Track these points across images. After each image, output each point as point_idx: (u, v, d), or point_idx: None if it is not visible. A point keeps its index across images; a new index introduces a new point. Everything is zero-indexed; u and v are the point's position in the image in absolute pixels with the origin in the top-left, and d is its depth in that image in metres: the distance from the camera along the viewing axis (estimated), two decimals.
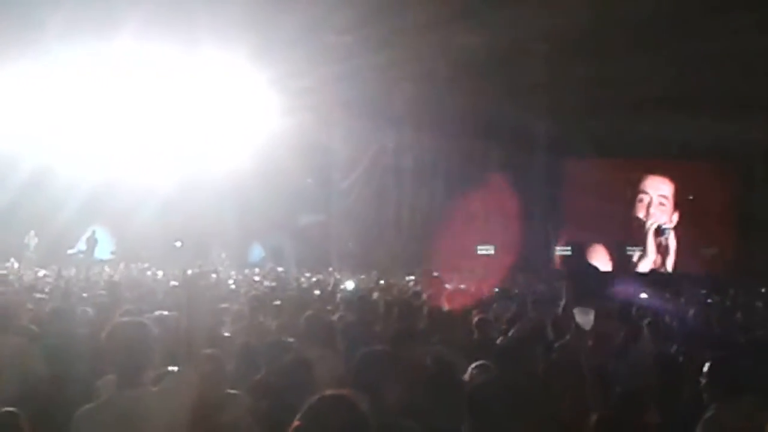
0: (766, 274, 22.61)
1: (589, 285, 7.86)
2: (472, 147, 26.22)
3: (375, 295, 13.05)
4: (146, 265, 22.73)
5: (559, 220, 27.52)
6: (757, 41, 21.13)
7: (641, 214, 26.70)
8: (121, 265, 23.13)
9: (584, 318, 5.69)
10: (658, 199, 26.53)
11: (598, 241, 26.72)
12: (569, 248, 26.44)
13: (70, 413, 4.06)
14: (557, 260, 27.23)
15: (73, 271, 19.55)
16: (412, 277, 19.73)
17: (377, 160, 27.79)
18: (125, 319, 4.68)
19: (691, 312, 10.80)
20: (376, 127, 26.67)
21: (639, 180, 26.91)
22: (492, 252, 27.43)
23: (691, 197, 25.57)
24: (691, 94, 22.17)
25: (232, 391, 5.16)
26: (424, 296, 13.18)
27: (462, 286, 17.48)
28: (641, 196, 26.72)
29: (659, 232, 26.26)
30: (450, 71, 24.80)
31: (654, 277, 24.66)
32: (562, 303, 8.25)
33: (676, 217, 26.26)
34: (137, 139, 24.90)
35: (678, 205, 26.03)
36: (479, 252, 27.46)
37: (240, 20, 21.14)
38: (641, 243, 26.70)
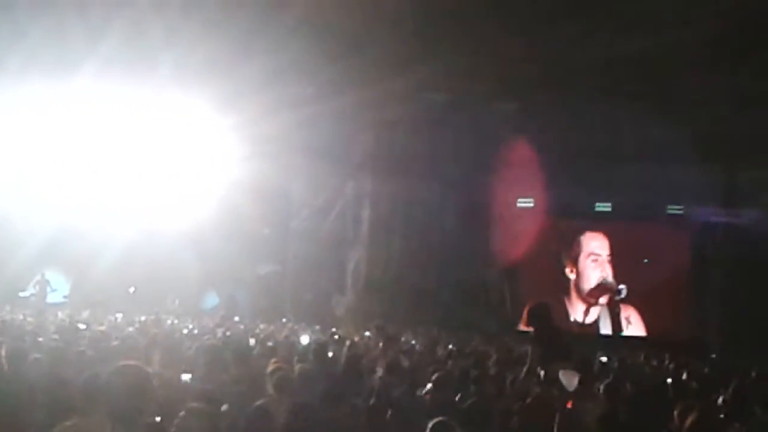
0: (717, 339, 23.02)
1: (554, 347, 7.97)
2: (431, 193, 26.38)
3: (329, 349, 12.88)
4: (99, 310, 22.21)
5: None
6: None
7: (593, 274, 26.60)
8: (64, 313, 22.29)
9: (569, 380, 5.82)
10: (606, 258, 26.44)
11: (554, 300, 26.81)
12: (535, 310, 26.45)
13: None
14: (522, 320, 26.97)
15: (21, 316, 19.19)
16: (368, 333, 19.52)
17: (337, 208, 27.75)
18: (127, 362, 4.59)
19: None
20: (337, 174, 26.75)
21: (587, 239, 26.83)
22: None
23: (646, 260, 25.62)
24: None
25: None
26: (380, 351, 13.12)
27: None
28: (594, 256, 26.66)
29: (615, 293, 26.16)
30: (410, 118, 25.12)
31: (613, 340, 24.70)
32: (527, 366, 8.34)
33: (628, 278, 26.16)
34: (95, 184, 24.73)
35: (632, 266, 25.97)
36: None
37: (201, 67, 21.22)
38: (595, 303, 26.62)
